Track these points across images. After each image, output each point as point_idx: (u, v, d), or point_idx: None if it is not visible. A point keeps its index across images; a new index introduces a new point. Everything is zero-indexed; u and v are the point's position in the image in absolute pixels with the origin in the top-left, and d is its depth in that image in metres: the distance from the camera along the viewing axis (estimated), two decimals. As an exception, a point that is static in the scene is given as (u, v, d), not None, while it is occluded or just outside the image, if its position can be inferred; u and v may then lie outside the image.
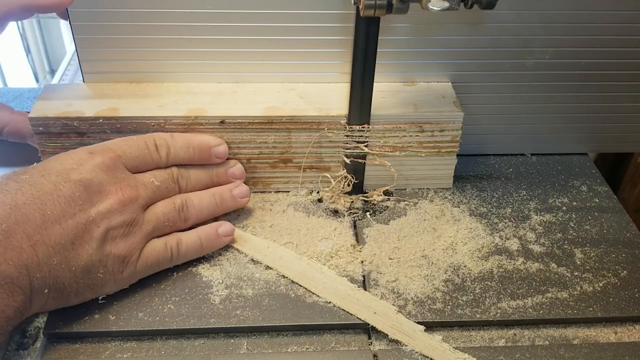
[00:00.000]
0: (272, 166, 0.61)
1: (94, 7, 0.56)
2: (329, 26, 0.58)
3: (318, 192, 0.63)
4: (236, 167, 0.58)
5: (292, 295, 0.52)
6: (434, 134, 0.60)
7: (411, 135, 0.60)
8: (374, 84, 0.56)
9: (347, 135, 0.59)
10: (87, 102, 0.58)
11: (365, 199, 0.62)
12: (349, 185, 0.62)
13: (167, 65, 0.60)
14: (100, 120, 0.56)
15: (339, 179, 0.62)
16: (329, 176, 0.62)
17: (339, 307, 0.51)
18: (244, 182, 0.59)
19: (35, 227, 0.44)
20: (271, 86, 0.61)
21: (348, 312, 0.51)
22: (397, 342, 0.49)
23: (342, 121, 0.58)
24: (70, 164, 0.48)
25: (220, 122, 0.57)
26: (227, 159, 0.58)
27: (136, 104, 0.58)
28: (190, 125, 0.57)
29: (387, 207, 0.62)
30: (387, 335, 0.49)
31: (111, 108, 0.57)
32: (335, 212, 0.61)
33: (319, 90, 0.61)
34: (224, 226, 0.55)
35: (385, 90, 0.61)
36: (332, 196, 0.62)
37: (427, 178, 0.63)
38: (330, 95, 0.60)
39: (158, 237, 0.52)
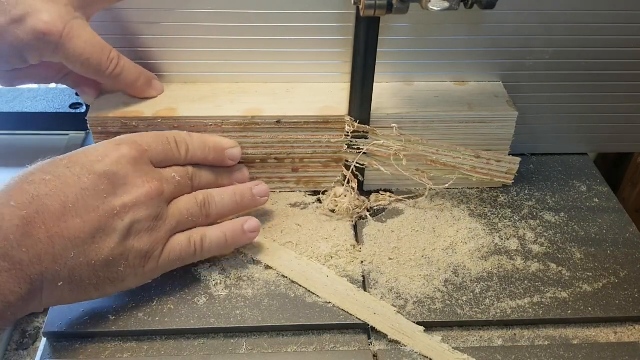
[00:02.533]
0: (324, 165, 0.61)
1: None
2: (329, 26, 0.58)
3: (323, 193, 0.63)
4: (241, 172, 0.58)
5: (292, 295, 0.52)
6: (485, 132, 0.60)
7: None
8: (424, 83, 0.58)
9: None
10: (144, 102, 0.58)
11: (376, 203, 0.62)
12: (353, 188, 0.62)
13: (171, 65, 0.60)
14: (159, 120, 0.56)
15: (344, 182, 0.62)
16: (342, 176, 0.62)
17: (338, 307, 0.51)
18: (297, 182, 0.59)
19: (55, 219, 0.44)
20: (324, 86, 0.61)
21: (348, 313, 0.51)
22: (396, 342, 0.49)
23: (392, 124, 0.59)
24: (96, 156, 0.47)
25: (277, 121, 0.57)
26: (240, 161, 0.58)
27: (193, 104, 0.58)
28: (246, 125, 0.57)
29: (387, 207, 0.62)
30: (387, 336, 0.49)
31: (169, 108, 0.57)
32: (333, 211, 0.61)
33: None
34: (250, 222, 0.54)
35: (439, 90, 0.62)
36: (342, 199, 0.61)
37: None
38: (382, 95, 0.61)
39: (181, 232, 0.51)
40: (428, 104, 0.60)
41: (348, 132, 0.58)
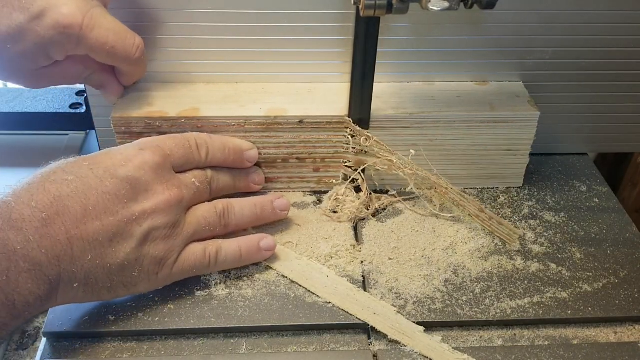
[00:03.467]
0: (346, 166, 0.61)
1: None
2: (329, 26, 0.58)
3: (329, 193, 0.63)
4: (258, 175, 0.59)
5: (292, 295, 0.52)
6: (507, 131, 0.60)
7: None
8: (445, 83, 0.59)
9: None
10: (167, 102, 0.58)
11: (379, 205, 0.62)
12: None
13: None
14: (183, 120, 0.56)
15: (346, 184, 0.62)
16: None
17: (339, 307, 0.51)
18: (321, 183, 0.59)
19: (75, 221, 0.44)
20: (346, 86, 0.61)
21: (348, 313, 0.51)
22: (396, 342, 0.49)
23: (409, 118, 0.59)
24: (119, 160, 0.48)
25: (299, 121, 0.58)
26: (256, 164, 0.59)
27: (216, 105, 0.58)
28: (269, 125, 0.57)
29: (387, 207, 0.62)
30: (387, 336, 0.49)
31: (192, 108, 0.58)
32: (335, 212, 0.61)
33: (392, 90, 0.62)
34: (266, 240, 0.54)
35: (461, 90, 0.62)
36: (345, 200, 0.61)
37: (497, 177, 0.64)
38: (403, 95, 0.61)
39: (198, 241, 0.51)
40: (450, 104, 0.60)
41: (369, 138, 0.58)
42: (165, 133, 0.56)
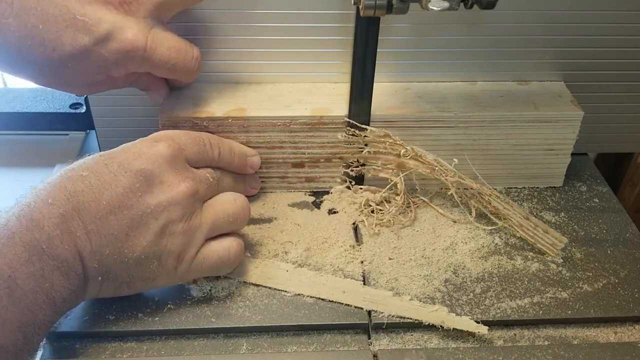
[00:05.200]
0: (386, 168, 0.61)
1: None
2: (329, 26, 0.58)
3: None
4: (256, 181, 0.61)
5: (292, 295, 0.52)
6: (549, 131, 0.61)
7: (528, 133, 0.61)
8: (488, 83, 0.60)
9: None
10: (213, 103, 0.59)
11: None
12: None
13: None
14: (230, 120, 0.57)
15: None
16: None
17: (308, 295, 0.51)
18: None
19: (91, 216, 0.44)
20: (388, 85, 0.62)
21: (319, 298, 0.51)
22: (396, 342, 0.49)
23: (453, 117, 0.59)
24: (132, 154, 0.48)
25: (344, 121, 0.58)
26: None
27: (262, 104, 0.59)
28: (314, 124, 0.58)
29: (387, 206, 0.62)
30: (387, 335, 0.49)
31: (239, 108, 0.58)
32: (335, 212, 0.61)
33: (436, 89, 0.62)
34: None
35: (503, 90, 0.62)
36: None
37: (539, 177, 0.64)
38: (446, 94, 0.61)
39: (218, 239, 0.51)
40: (494, 104, 0.60)
41: (407, 150, 0.58)
42: (212, 133, 0.57)
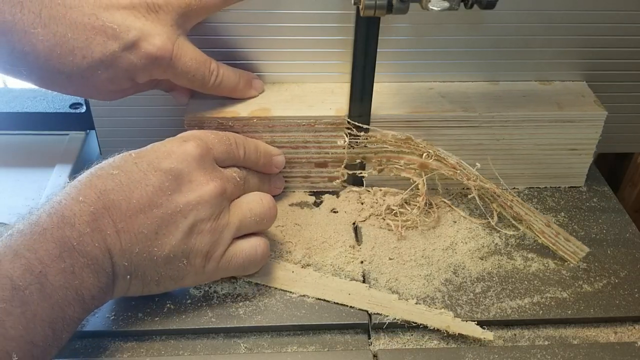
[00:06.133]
0: (409, 168, 0.61)
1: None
2: (329, 26, 0.58)
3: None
4: (280, 181, 0.61)
5: (292, 295, 0.52)
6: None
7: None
8: (510, 83, 0.60)
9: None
10: (239, 103, 0.59)
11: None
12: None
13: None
14: (255, 120, 0.57)
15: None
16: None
17: (314, 297, 0.51)
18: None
19: (121, 214, 0.44)
20: (413, 85, 0.62)
21: (324, 300, 0.51)
22: (396, 342, 0.49)
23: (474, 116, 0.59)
24: (162, 152, 0.48)
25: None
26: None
27: (286, 104, 0.59)
28: (338, 124, 0.58)
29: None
30: (387, 335, 0.49)
31: (263, 108, 0.58)
32: (335, 212, 0.61)
33: (458, 89, 0.62)
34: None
35: (525, 90, 0.62)
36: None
37: (560, 177, 0.64)
38: (469, 94, 0.61)
39: (246, 238, 0.51)
40: (517, 104, 0.60)
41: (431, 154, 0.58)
42: (237, 133, 0.57)
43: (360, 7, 0.48)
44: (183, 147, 0.48)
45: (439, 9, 0.45)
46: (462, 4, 0.47)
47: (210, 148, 0.50)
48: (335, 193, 0.63)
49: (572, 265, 0.56)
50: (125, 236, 0.44)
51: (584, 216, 0.62)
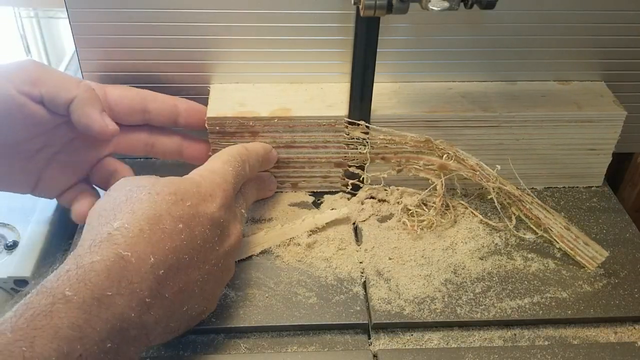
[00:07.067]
0: (428, 168, 0.61)
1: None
2: (329, 26, 0.58)
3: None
4: (271, 181, 0.61)
5: (292, 295, 0.52)
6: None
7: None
8: (528, 83, 0.61)
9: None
10: (258, 103, 0.59)
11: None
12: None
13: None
14: (275, 120, 0.57)
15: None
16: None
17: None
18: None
19: (182, 274, 0.42)
20: (433, 85, 0.62)
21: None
22: (396, 342, 0.49)
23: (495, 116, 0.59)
24: (208, 198, 0.46)
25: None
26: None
27: (305, 104, 0.59)
28: (358, 124, 0.58)
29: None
30: (387, 335, 0.50)
31: (284, 108, 0.58)
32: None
33: (476, 89, 0.62)
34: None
35: (544, 89, 0.63)
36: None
37: (578, 176, 0.64)
38: (488, 94, 0.61)
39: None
40: (537, 104, 0.60)
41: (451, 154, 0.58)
42: (257, 133, 0.58)
43: (360, 7, 0.48)
44: (223, 194, 0.47)
45: (439, 9, 0.45)
46: (462, 4, 0.47)
47: (234, 186, 0.50)
48: (335, 193, 0.63)
49: (572, 265, 0.56)
50: (179, 297, 0.43)
51: (584, 216, 0.62)
